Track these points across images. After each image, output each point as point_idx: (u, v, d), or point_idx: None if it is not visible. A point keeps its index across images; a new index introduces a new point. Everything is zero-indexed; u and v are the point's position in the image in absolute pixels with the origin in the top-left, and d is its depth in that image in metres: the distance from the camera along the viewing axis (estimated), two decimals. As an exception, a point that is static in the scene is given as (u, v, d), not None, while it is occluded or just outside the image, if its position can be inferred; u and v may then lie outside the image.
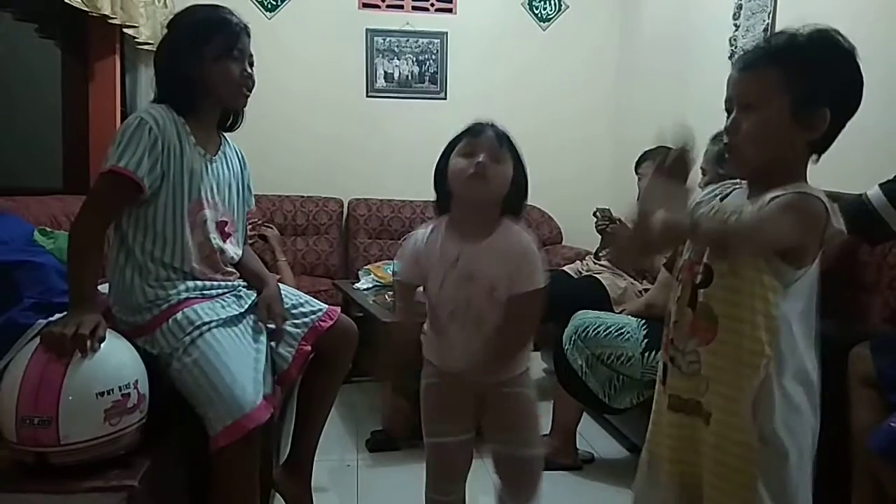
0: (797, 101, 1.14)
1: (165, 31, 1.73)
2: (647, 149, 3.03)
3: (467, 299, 1.47)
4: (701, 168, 2.41)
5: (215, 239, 1.71)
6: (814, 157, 1.20)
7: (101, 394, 1.30)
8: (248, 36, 1.72)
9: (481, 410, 1.56)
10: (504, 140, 1.48)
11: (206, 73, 1.65)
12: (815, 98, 1.13)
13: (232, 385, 1.50)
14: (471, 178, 1.44)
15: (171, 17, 1.76)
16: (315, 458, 2.01)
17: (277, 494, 2.00)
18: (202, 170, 1.68)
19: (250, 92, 1.74)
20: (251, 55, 1.73)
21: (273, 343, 1.76)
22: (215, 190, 1.73)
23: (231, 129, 1.84)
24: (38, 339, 1.34)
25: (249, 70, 1.72)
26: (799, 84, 1.14)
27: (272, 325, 1.75)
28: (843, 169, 2.49)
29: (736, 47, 3.17)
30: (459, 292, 1.47)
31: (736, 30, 3.19)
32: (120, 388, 1.33)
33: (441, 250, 1.50)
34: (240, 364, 1.56)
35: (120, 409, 1.32)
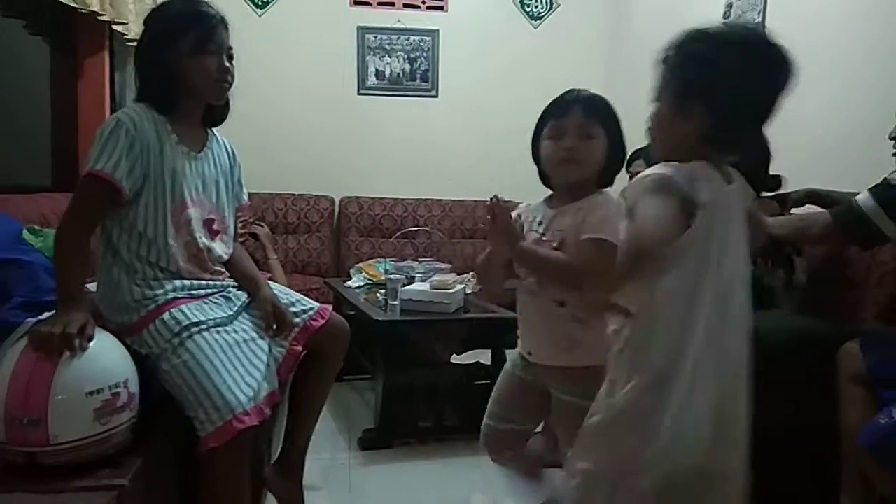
0: (675, 94, 1.21)
1: (143, 27, 1.71)
2: (637, 147, 3.03)
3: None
4: None
5: (201, 238, 1.70)
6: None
7: (91, 393, 1.29)
8: (226, 28, 1.69)
9: (546, 410, 1.58)
10: (594, 113, 1.46)
11: (183, 68, 1.63)
12: (687, 91, 1.19)
13: (221, 387, 1.50)
14: (561, 164, 1.45)
15: (148, 13, 1.74)
16: (307, 457, 2.01)
17: (269, 493, 2.00)
18: (185, 168, 1.66)
19: (230, 86, 1.71)
20: (230, 48, 1.69)
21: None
22: (200, 188, 1.71)
23: (217, 123, 1.82)
24: (26, 339, 1.33)
25: (228, 64, 1.68)
26: (675, 78, 1.21)
27: (274, 326, 1.75)
28: (837, 165, 2.52)
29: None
30: None
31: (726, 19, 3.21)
32: (110, 388, 1.32)
33: (536, 216, 1.53)
34: (229, 367, 1.55)
35: (110, 408, 1.31)
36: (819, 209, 2.27)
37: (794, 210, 2.34)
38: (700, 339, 1.11)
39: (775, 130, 2.39)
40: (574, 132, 1.44)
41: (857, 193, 1.95)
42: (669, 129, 1.24)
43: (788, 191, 2.35)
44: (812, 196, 2.31)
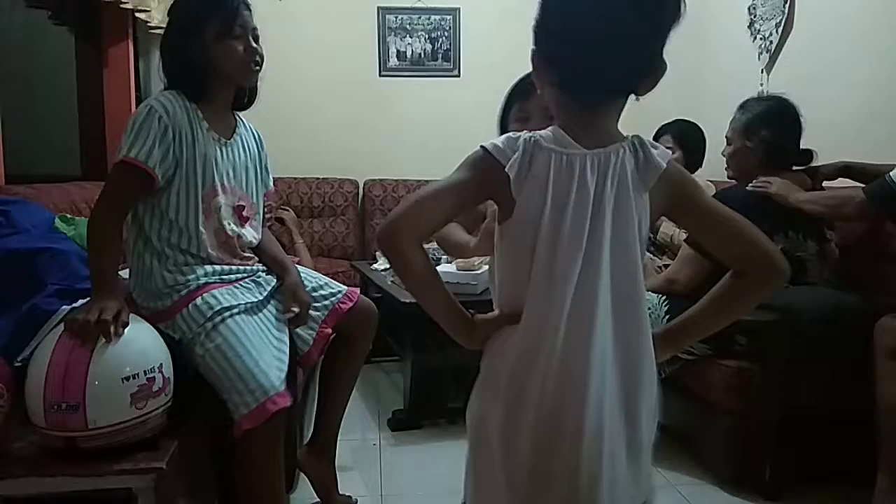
0: None
1: (167, 18, 1.71)
2: (664, 122, 2.99)
3: None
4: (726, 137, 2.38)
5: (230, 225, 1.70)
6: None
7: (127, 378, 1.31)
8: (249, 9, 1.68)
9: None
10: None
11: (211, 55, 1.63)
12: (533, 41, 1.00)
13: (254, 369, 1.51)
14: None
15: (172, 2, 1.73)
16: (338, 438, 2.03)
17: (302, 474, 2.03)
18: (216, 155, 1.67)
19: (259, 67, 1.70)
20: (255, 28, 1.68)
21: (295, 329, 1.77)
22: (231, 174, 1.72)
23: (245, 107, 1.82)
24: (62, 326, 1.36)
25: (254, 45, 1.67)
26: None
27: (296, 309, 1.74)
28: (870, 138, 2.46)
29: (755, 16, 3.11)
30: None
31: (755, -2, 3.13)
32: (145, 373, 1.34)
33: None
34: (262, 349, 1.57)
35: (146, 392, 1.33)
36: (853, 183, 2.22)
37: (825, 184, 2.30)
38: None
39: (807, 105, 2.34)
40: (540, 114, 1.42)
41: (891, 167, 1.91)
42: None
43: (819, 164, 2.30)
44: (845, 170, 2.26)
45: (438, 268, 2.71)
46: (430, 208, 0.96)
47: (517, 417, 0.93)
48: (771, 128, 2.24)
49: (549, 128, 0.96)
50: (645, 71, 0.92)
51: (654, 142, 0.96)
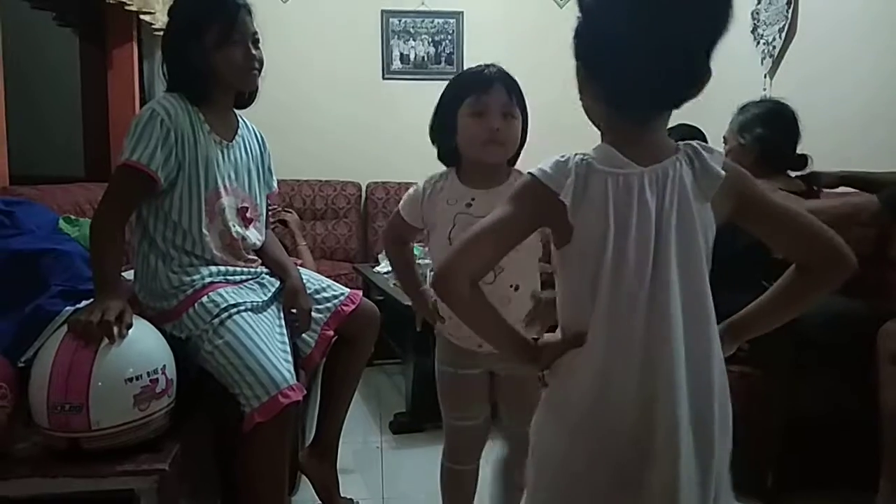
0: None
1: (167, 19, 1.71)
2: (667, 127, 2.99)
3: None
4: (723, 138, 2.38)
5: (235, 227, 1.71)
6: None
7: (130, 379, 1.31)
8: (250, 13, 1.67)
9: (495, 392, 1.55)
10: (513, 91, 1.40)
11: (210, 61, 1.62)
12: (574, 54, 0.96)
13: (264, 364, 1.51)
14: (485, 145, 1.38)
15: (171, 4, 1.73)
16: (340, 440, 2.03)
17: (304, 477, 2.03)
18: (218, 157, 1.67)
19: (259, 72, 1.70)
20: (255, 33, 1.68)
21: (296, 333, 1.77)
22: (233, 176, 1.72)
23: (246, 105, 1.81)
24: (66, 327, 1.36)
25: (254, 50, 1.67)
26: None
27: (294, 311, 1.74)
28: (868, 145, 2.46)
29: (758, 21, 3.11)
30: None
31: (758, 3, 3.13)
32: (148, 374, 1.34)
33: (453, 196, 1.44)
34: (270, 345, 1.57)
35: (149, 394, 1.33)
36: (852, 191, 2.22)
37: (826, 192, 2.29)
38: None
39: (810, 109, 2.33)
40: (498, 111, 1.38)
41: (891, 172, 1.91)
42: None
43: (815, 171, 2.29)
44: (846, 180, 2.26)
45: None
46: (484, 247, 0.93)
47: (590, 441, 0.91)
48: (766, 127, 2.22)
49: (598, 146, 0.93)
50: (695, 82, 0.88)
51: (707, 145, 0.93)
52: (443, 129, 1.46)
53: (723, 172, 0.90)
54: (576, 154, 0.91)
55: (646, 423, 0.88)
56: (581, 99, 0.97)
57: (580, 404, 0.92)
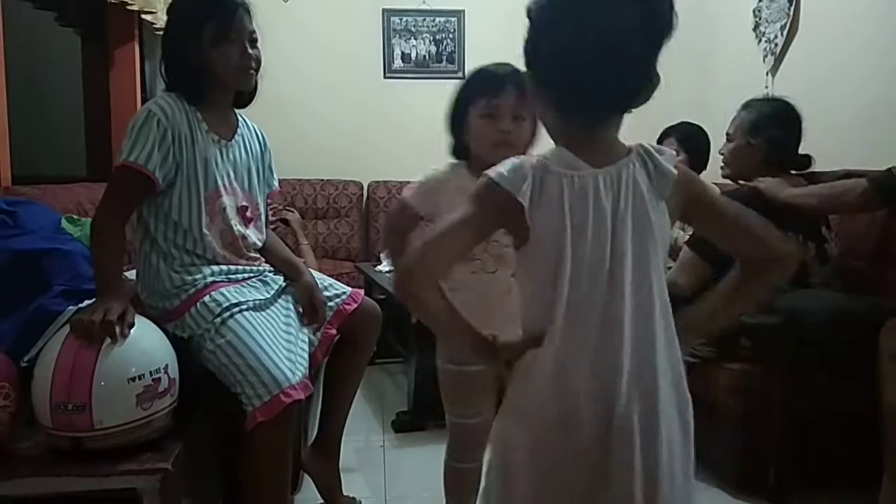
0: None
1: (166, 18, 1.71)
2: (668, 125, 2.99)
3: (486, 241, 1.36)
4: (727, 134, 2.37)
5: (237, 225, 1.71)
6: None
7: (133, 379, 1.31)
8: (248, 12, 1.66)
9: (503, 391, 1.55)
10: (524, 93, 1.40)
11: (207, 60, 1.62)
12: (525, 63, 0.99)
13: (266, 363, 1.51)
14: (496, 147, 1.40)
15: (169, 3, 1.73)
16: (342, 439, 2.03)
17: (306, 476, 2.03)
18: (217, 157, 1.67)
19: (256, 71, 1.69)
20: (252, 32, 1.67)
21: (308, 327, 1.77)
22: (233, 176, 1.72)
23: (245, 104, 1.80)
24: (68, 327, 1.36)
25: (251, 49, 1.66)
26: None
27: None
28: (870, 144, 2.46)
29: (760, 18, 3.11)
30: None
31: (760, 0, 3.13)
32: (150, 373, 1.34)
33: (462, 188, 1.44)
34: (273, 343, 1.57)
35: (151, 393, 1.34)
36: None
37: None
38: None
39: (812, 108, 2.34)
40: (509, 114, 1.40)
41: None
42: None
43: (818, 170, 2.29)
44: (847, 178, 2.26)
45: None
46: (442, 248, 0.95)
47: (545, 441, 0.93)
48: (778, 128, 2.24)
49: (553, 149, 0.95)
50: (641, 86, 0.91)
51: (657, 146, 0.96)
52: (455, 126, 1.49)
53: (675, 172, 0.93)
54: (531, 156, 0.94)
55: (603, 421, 0.91)
56: (534, 106, 0.99)
57: (540, 403, 0.93)
